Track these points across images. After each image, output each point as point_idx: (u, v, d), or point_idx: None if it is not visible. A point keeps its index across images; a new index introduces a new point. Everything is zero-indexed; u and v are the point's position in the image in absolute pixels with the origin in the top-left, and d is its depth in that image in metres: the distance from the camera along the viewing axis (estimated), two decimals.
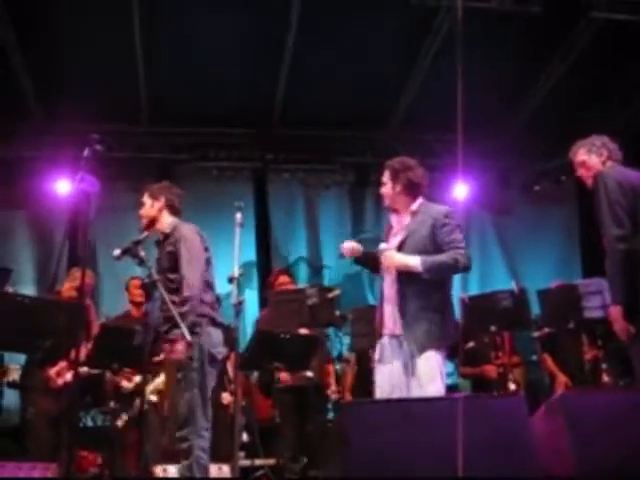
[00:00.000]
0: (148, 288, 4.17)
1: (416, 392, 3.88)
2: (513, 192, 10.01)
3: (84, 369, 5.60)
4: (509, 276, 9.24)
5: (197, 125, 8.82)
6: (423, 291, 4.05)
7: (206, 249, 4.73)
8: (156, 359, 5.68)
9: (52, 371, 6.04)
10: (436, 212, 4.30)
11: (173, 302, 4.39)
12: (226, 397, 6.71)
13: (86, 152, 3.58)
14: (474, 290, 8.99)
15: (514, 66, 8.16)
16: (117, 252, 4.28)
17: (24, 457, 5.59)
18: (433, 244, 4.16)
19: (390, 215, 4.48)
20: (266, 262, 9.28)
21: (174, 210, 4.87)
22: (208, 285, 4.65)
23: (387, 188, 4.39)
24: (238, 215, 4.88)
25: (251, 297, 8.92)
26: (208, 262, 4.72)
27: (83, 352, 5.14)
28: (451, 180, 9.19)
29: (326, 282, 9.34)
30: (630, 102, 8.73)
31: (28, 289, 8.13)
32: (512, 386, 7.04)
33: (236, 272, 4.66)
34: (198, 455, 4.37)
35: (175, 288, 4.54)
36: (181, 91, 8.15)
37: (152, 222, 4.81)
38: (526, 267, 9.57)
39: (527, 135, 9.20)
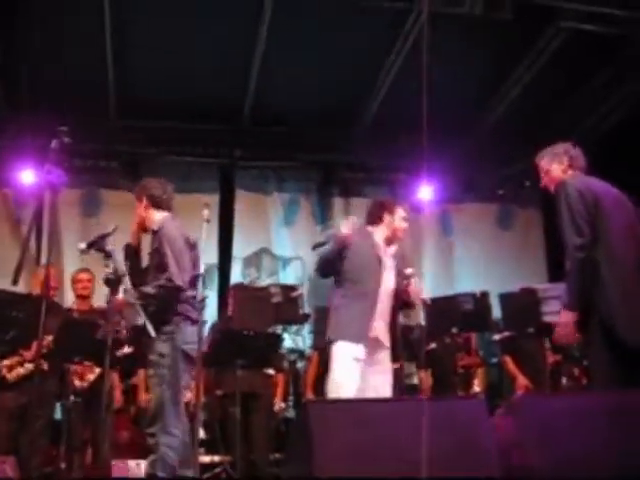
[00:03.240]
0: (112, 283, 4.13)
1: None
2: (478, 195, 10.11)
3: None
4: (473, 279, 9.34)
5: (165, 119, 8.75)
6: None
7: (193, 246, 4.73)
8: (119, 353, 5.64)
9: (4, 364, 5.97)
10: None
11: (146, 294, 4.42)
12: (186, 394, 6.68)
13: (53, 144, 3.54)
14: (439, 292, 9.08)
15: (482, 71, 8.26)
16: (83, 245, 4.24)
17: None
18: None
19: (371, 232, 4.79)
20: (227, 262, 9.24)
21: (159, 204, 4.83)
22: (191, 283, 4.63)
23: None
24: (205, 211, 4.87)
25: (211, 298, 8.87)
26: (194, 260, 4.71)
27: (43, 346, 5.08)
28: (416, 181, 9.27)
29: (292, 277, 9.39)
30: (595, 110, 8.87)
31: None
32: (476, 388, 7.14)
33: (201, 269, 4.65)
34: (164, 452, 4.33)
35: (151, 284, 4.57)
36: (150, 85, 8.11)
37: (143, 223, 4.81)
38: (490, 271, 9.66)
39: (493, 139, 9.29)
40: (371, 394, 4.37)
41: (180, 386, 4.51)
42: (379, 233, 4.78)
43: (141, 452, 5.88)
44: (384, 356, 4.66)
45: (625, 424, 3.09)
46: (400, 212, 4.83)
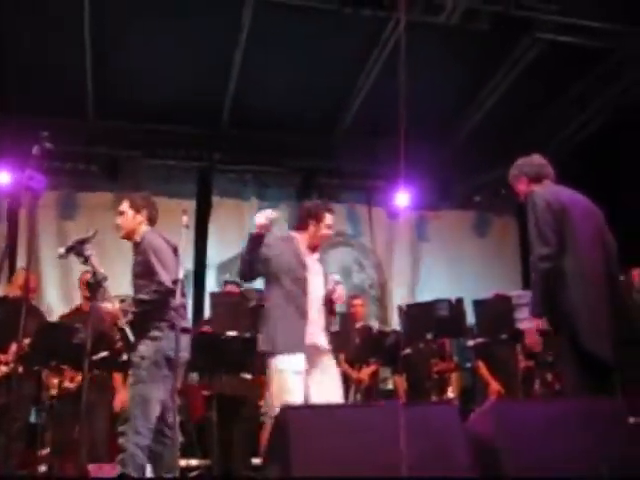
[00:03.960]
0: (92, 287, 4.14)
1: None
2: (454, 202, 10.22)
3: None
4: (448, 285, 9.41)
5: (145, 122, 8.77)
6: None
7: (175, 251, 4.72)
8: (96, 357, 5.64)
9: None
10: None
11: (143, 300, 4.48)
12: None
13: (35, 150, 3.54)
14: (414, 299, 9.18)
15: (459, 79, 8.37)
16: (61, 250, 4.22)
17: None
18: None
19: (295, 238, 4.71)
20: (202, 269, 9.24)
21: (152, 223, 4.88)
22: (175, 291, 4.64)
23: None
24: (184, 217, 4.88)
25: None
26: (177, 265, 4.71)
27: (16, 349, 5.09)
28: (393, 188, 9.35)
29: None
30: (569, 120, 9.01)
31: None
32: (450, 394, 7.20)
33: (180, 274, 4.67)
34: (133, 452, 4.34)
35: (143, 291, 4.60)
36: (130, 87, 8.10)
37: (131, 233, 4.79)
38: (466, 277, 9.74)
39: (469, 147, 9.41)
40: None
41: (157, 389, 4.49)
42: (303, 239, 4.69)
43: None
44: (327, 361, 4.56)
45: (594, 429, 3.17)
46: (326, 219, 4.69)
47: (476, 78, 8.41)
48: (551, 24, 7.23)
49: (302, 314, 4.44)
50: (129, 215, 4.80)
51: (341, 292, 4.63)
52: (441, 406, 3.60)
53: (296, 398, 4.19)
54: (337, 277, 4.67)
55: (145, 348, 4.44)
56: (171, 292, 4.52)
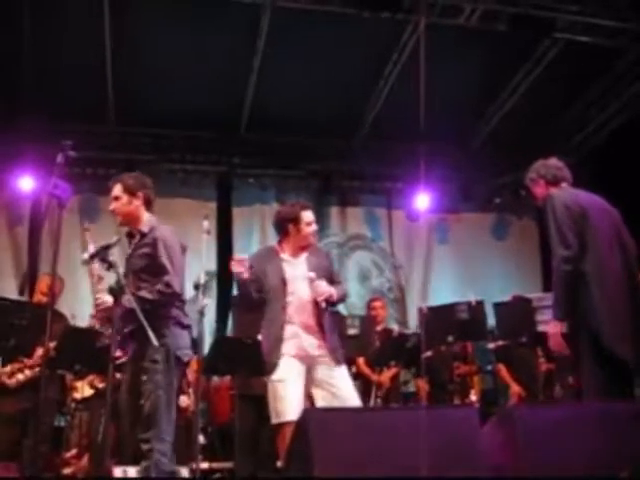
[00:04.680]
0: (116, 293, 4.14)
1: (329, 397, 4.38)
2: (474, 204, 10.20)
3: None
4: (467, 288, 9.39)
5: (164, 127, 8.83)
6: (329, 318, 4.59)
7: (184, 251, 4.62)
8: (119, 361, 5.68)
9: (4, 370, 6.01)
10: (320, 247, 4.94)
11: (144, 299, 4.32)
12: (184, 400, 6.73)
13: (59, 158, 3.57)
14: (434, 301, 9.16)
15: (479, 81, 8.35)
16: (86, 256, 4.18)
17: None
18: (331, 276, 4.71)
19: (277, 250, 4.70)
20: (226, 270, 9.25)
21: (150, 205, 4.67)
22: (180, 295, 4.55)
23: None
24: (205, 222, 4.89)
25: (209, 305, 8.89)
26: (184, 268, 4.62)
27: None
28: (413, 190, 9.35)
29: None
30: (589, 121, 8.97)
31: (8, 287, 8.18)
32: (473, 397, 7.19)
33: (202, 279, 4.69)
34: (158, 459, 4.28)
35: (146, 288, 4.41)
36: (149, 93, 8.15)
37: (130, 219, 4.60)
38: (486, 279, 9.71)
39: (489, 148, 9.40)
40: None
41: (174, 392, 4.46)
42: (288, 247, 4.67)
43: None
44: (326, 370, 4.49)
45: (613, 432, 3.16)
46: (304, 217, 4.64)
47: (496, 79, 8.39)
48: (569, 24, 7.21)
49: (279, 329, 4.45)
50: (124, 200, 4.58)
51: (320, 289, 4.50)
52: (461, 409, 3.60)
53: (288, 404, 4.25)
54: (311, 274, 4.52)
55: (155, 351, 4.28)
56: (177, 296, 4.46)
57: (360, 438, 2.95)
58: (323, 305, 4.49)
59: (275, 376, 4.38)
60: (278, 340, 4.43)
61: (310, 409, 3.47)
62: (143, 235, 4.55)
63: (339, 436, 2.93)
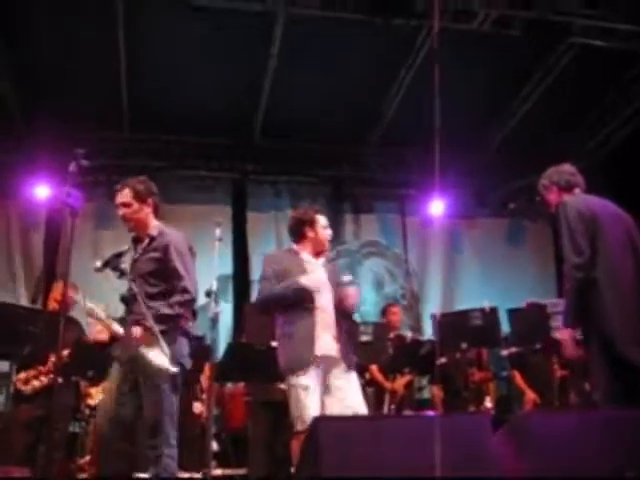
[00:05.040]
0: (128, 301, 4.16)
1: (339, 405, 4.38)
2: (488, 210, 10.17)
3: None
4: (483, 294, 9.35)
5: (178, 134, 8.87)
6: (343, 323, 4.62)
7: (193, 255, 4.56)
8: None
9: (20, 377, 6.04)
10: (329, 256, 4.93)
11: (166, 316, 4.27)
12: (197, 407, 6.75)
13: (72, 167, 3.58)
14: (448, 308, 9.14)
15: (493, 86, 8.31)
16: (98, 264, 4.20)
17: None
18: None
19: (299, 251, 4.70)
20: (242, 275, 9.31)
21: (157, 212, 4.64)
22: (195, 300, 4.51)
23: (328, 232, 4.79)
24: (217, 230, 4.89)
25: (226, 309, 8.94)
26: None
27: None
28: (428, 196, 9.33)
29: None
30: (604, 126, 8.93)
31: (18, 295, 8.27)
32: (488, 404, 7.15)
33: (214, 286, 4.69)
34: (167, 463, 4.29)
35: (154, 294, 4.36)
36: (163, 99, 8.19)
37: (140, 226, 4.52)
38: (501, 285, 9.67)
39: (503, 154, 9.36)
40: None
41: (176, 398, 4.40)
42: (306, 249, 4.68)
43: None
44: (341, 370, 4.51)
45: (622, 438, 3.14)
46: (320, 221, 4.69)
47: (510, 84, 8.36)
48: (584, 28, 7.16)
49: (310, 327, 4.43)
50: (135, 207, 4.51)
51: (352, 292, 4.60)
52: (474, 416, 3.58)
53: (312, 412, 4.21)
54: (349, 277, 4.63)
55: (161, 359, 4.21)
56: (194, 301, 4.41)
57: (369, 446, 2.93)
58: (352, 310, 4.63)
59: (299, 382, 4.35)
60: (310, 338, 4.40)
61: (320, 417, 3.45)
62: (152, 239, 4.49)
63: (348, 444, 2.92)
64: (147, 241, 4.50)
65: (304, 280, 4.45)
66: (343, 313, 4.64)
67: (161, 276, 4.38)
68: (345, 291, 4.61)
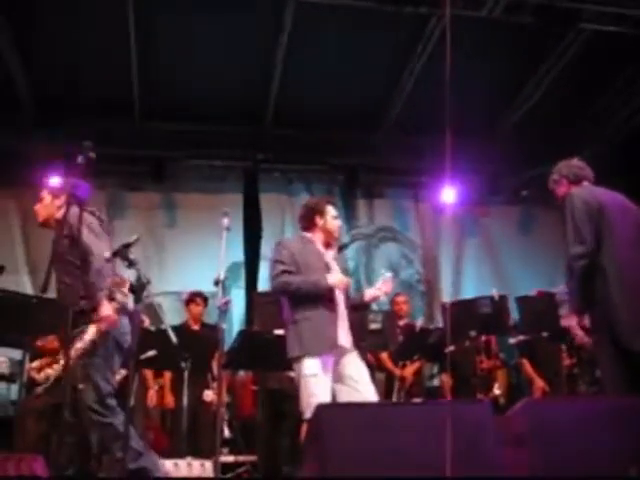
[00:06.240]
0: (137, 291, 4.19)
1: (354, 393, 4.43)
2: (501, 197, 10.13)
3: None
4: (494, 281, 9.34)
5: (190, 122, 8.86)
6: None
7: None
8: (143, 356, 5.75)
9: (33, 365, 6.09)
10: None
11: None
12: (209, 394, 6.80)
13: (80, 159, 3.61)
14: (461, 295, 9.15)
15: (504, 73, 8.29)
16: (107, 254, 4.27)
17: (11, 450, 5.65)
18: None
19: (312, 239, 4.76)
20: (254, 261, 9.33)
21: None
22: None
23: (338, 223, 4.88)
24: (225, 220, 4.92)
25: (238, 296, 8.99)
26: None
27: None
28: (439, 184, 9.30)
29: None
30: (616, 112, 8.86)
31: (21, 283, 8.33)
32: (496, 391, 7.17)
33: (222, 275, 4.73)
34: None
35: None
36: (174, 88, 8.24)
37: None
38: (513, 273, 9.67)
39: (516, 141, 9.32)
40: None
41: (112, 375, 4.57)
42: (317, 237, 4.73)
43: (170, 452, 6.03)
44: (352, 357, 4.58)
45: (626, 428, 3.15)
46: (330, 211, 4.76)
47: (522, 71, 8.32)
48: (595, 14, 7.11)
49: (332, 314, 4.49)
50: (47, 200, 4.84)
51: (389, 288, 4.75)
52: (475, 405, 3.59)
53: (320, 400, 4.20)
54: (389, 274, 4.77)
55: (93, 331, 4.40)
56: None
57: (372, 434, 2.96)
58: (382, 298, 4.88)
59: (309, 370, 4.39)
60: (332, 324, 4.47)
61: (323, 405, 3.48)
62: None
63: (351, 432, 2.95)
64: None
65: (331, 279, 4.51)
66: (358, 305, 4.84)
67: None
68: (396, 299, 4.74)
